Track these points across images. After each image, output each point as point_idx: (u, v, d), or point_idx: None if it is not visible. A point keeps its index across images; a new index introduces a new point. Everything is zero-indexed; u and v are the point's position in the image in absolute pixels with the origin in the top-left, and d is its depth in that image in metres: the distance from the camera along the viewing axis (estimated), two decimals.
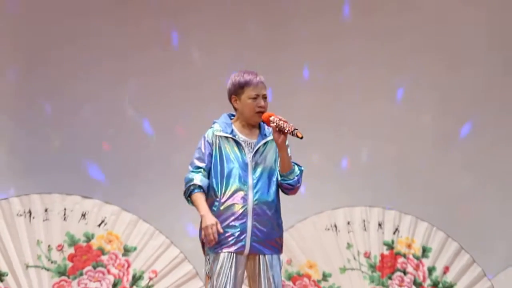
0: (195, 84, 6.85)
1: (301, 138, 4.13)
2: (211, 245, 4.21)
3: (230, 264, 4.18)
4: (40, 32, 6.74)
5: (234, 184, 4.23)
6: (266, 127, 4.40)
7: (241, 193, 4.22)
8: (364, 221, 6.25)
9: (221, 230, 4.17)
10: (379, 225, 6.26)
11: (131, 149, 6.69)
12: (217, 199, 4.24)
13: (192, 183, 4.22)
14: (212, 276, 4.20)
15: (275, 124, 4.22)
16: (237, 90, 4.30)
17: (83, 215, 5.86)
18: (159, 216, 6.22)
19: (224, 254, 4.18)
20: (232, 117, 4.44)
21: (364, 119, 6.88)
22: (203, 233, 4.17)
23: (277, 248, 4.32)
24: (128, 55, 6.80)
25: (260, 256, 4.24)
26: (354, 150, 6.94)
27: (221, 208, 4.22)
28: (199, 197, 4.21)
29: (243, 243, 4.18)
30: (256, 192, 4.24)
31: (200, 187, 4.24)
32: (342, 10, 6.99)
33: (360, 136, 6.87)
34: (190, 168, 4.29)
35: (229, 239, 4.20)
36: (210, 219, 4.14)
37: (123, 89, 6.84)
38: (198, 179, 4.23)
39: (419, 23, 7.01)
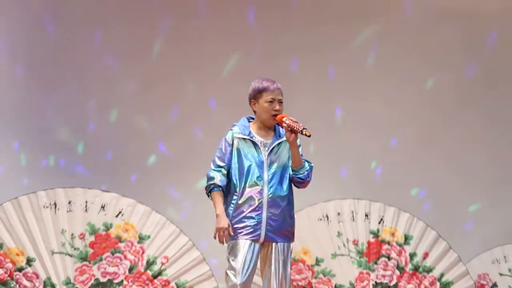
0: None
1: (309, 136, 4.34)
2: (222, 244, 4.41)
3: (247, 250, 4.39)
4: None
5: (251, 180, 4.46)
6: (280, 129, 4.59)
7: (257, 188, 4.45)
8: (352, 212, 6.38)
9: (232, 233, 4.38)
10: (366, 215, 6.39)
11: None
12: (236, 193, 4.46)
13: (212, 182, 4.47)
14: (233, 260, 4.39)
15: (286, 124, 4.43)
16: (256, 95, 4.53)
17: (103, 207, 5.97)
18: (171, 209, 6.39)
19: (242, 241, 4.40)
20: (251, 120, 4.64)
21: (355, 118, 7.01)
22: (215, 232, 4.38)
23: (289, 236, 4.55)
24: None
25: (273, 244, 4.46)
26: (346, 149, 6.99)
27: (240, 201, 4.44)
28: (217, 196, 4.45)
29: (259, 232, 4.41)
30: (271, 187, 4.46)
31: (219, 186, 4.47)
32: None
33: (349, 136, 6.98)
34: (212, 166, 4.52)
35: (247, 228, 4.42)
36: (223, 222, 4.38)
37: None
38: (219, 178, 4.47)
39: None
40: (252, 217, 4.44)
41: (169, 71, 6.83)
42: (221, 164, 4.51)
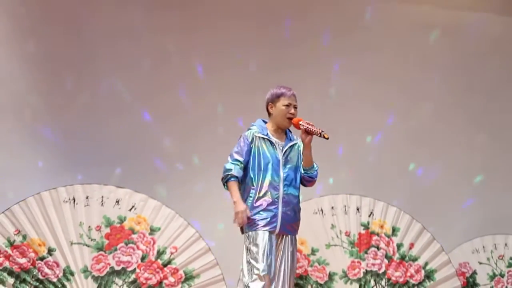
0: None
1: (327, 138, 4.53)
2: (240, 226, 4.60)
3: (266, 240, 4.56)
4: None
5: (269, 176, 4.63)
6: (290, 134, 4.78)
7: (274, 184, 4.62)
8: (345, 206, 6.50)
9: (249, 214, 4.54)
10: (357, 209, 6.51)
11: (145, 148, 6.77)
12: (254, 188, 4.62)
13: (230, 173, 4.60)
14: (253, 249, 4.54)
15: (304, 127, 4.62)
16: (274, 99, 4.74)
17: (117, 202, 6.06)
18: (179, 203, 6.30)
19: (261, 232, 4.57)
20: (265, 122, 4.82)
21: (342, 122, 7.06)
22: (234, 216, 4.56)
23: (296, 230, 4.77)
24: None
25: (284, 236, 4.66)
26: (335, 150, 7.10)
27: (258, 195, 4.61)
28: (234, 185, 4.60)
29: (275, 224, 4.60)
30: (286, 184, 4.64)
31: (236, 177, 4.60)
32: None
33: (340, 136, 6.93)
34: (229, 160, 4.66)
35: (265, 220, 4.60)
36: (240, 206, 4.56)
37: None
38: (236, 170, 4.61)
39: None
40: (270, 210, 4.59)
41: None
42: (239, 158, 4.64)
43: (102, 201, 6.08)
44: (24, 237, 5.93)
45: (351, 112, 7.13)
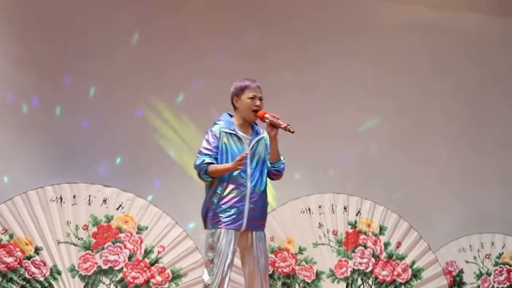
0: None
1: (293, 132, 4.45)
2: (243, 163, 4.42)
3: (230, 238, 4.51)
4: None
5: (236, 173, 4.55)
6: (257, 127, 4.69)
7: (241, 180, 4.57)
8: (332, 205, 6.49)
9: (245, 155, 4.43)
10: (345, 208, 6.50)
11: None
12: (221, 184, 4.55)
13: (204, 162, 4.52)
14: (215, 248, 4.50)
15: (269, 120, 4.54)
16: (238, 92, 4.65)
17: (104, 201, 6.03)
18: (166, 201, 6.28)
19: (225, 230, 4.52)
20: (231, 116, 4.73)
21: (330, 123, 7.14)
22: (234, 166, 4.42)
23: (264, 225, 4.74)
24: None
25: (253, 232, 4.63)
26: (322, 149, 7.16)
27: (224, 192, 4.56)
28: (214, 166, 4.51)
29: (241, 221, 4.55)
30: (253, 180, 4.59)
31: (210, 163, 4.51)
32: None
33: (329, 137, 7.15)
34: (199, 156, 4.58)
35: (230, 217, 4.54)
36: (231, 163, 4.45)
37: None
38: (208, 159, 4.53)
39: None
40: (236, 207, 4.54)
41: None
42: (207, 152, 4.56)
43: (89, 200, 6.06)
44: (11, 236, 5.90)
45: (338, 112, 7.21)
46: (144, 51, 6.80)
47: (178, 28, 6.87)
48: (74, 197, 6.03)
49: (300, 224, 6.46)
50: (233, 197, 4.56)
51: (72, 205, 6.03)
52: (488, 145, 7.53)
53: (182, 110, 6.90)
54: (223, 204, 4.54)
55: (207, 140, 4.59)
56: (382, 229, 6.58)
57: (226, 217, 4.54)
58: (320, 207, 6.51)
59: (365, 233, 6.54)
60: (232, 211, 4.54)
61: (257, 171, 4.62)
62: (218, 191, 4.57)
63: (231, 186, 4.55)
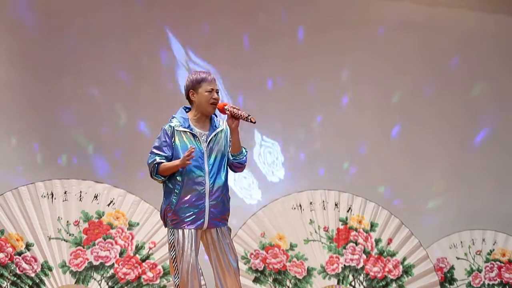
0: None
1: (254, 122, 4.35)
2: (191, 157, 4.31)
3: (191, 238, 4.40)
4: None
5: (193, 171, 4.42)
6: (215, 120, 4.56)
7: (199, 178, 4.43)
8: (323, 201, 6.52)
9: (192, 150, 4.31)
10: (336, 205, 6.53)
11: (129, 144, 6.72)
12: (179, 184, 4.43)
13: (155, 162, 4.41)
14: (178, 249, 4.40)
15: (229, 111, 4.42)
16: (195, 86, 4.50)
17: (95, 197, 6.04)
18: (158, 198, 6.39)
19: (186, 230, 4.42)
20: (187, 110, 4.58)
21: (319, 120, 7.21)
22: (183, 163, 4.32)
23: (227, 219, 4.58)
24: None
25: (217, 229, 4.51)
26: (313, 145, 7.23)
27: (182, 192, 4.43)
28: (165, 164, 4.40)
29: (202, 220, 4.44)
30: (211, 177, 4.45)
31: (161, 162, 4.40)
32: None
33: (317, 135, 7.22)
34: (150, 155, 4.47)
35: (191, 217, 4.43)
36: (179, 160, 4.36)
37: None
38: (158, 159, 4.42)
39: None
40: (196, 206, 4.43)
41: None
42: (159, 152, 4.46)
43: (80, 196, 6.06)
44: (2, 232, 5.91)
45: (329, 109, 7.22)
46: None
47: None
48: (65, 193, 6.03)
49: (291, 221, 6.49)
50: (192, 196, 4.44)
51: (63, 201, 6.02)
52: (479, 142, 7.58)
53: None
54: (182, 203, 4.43)
55: (159, 139, 4.48)
56: (373, 225, 6.60)
57: (186, 217, 4.44)
58: (311, 203, 6.53)
59: (356, 230, 6.55)
60: (192, 210, 4.44)
61: (215, 167, 4.50)
62: (176, 190, 4.46)
63: (189, 185, 4.44)
